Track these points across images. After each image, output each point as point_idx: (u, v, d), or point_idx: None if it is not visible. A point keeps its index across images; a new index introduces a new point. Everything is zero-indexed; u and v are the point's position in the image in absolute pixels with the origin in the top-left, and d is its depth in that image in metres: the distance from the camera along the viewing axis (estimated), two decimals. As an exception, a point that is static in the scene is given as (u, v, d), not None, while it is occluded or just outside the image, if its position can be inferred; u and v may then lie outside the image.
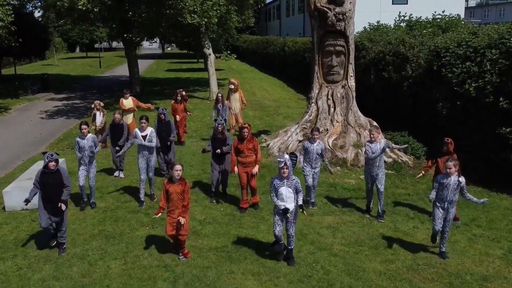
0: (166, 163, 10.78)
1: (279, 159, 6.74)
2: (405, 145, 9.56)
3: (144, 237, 7.91)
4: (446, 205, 6.98)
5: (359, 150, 11.82)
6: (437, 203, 7.08)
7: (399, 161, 11.61)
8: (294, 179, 6.77)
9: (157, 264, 7.01)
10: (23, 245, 7.71)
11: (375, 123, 12.61)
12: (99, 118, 13.18)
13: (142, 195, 9.42)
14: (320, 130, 12.32)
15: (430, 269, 6.85)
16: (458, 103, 11.15)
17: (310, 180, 9.03)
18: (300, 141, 12.38)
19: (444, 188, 6.91)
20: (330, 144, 11.99)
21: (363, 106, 13.64)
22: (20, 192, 9.20)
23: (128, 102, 14.01)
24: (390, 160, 11.67)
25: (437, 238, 7.38)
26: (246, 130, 8.78)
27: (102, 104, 13.57)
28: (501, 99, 9.92)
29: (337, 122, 12.45)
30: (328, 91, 12.70)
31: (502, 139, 9.96)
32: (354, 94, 12.65)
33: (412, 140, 12.50)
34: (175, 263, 7.02)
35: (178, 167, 6.86)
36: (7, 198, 9.22)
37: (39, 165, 10.89)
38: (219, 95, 14.28)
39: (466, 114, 11.07)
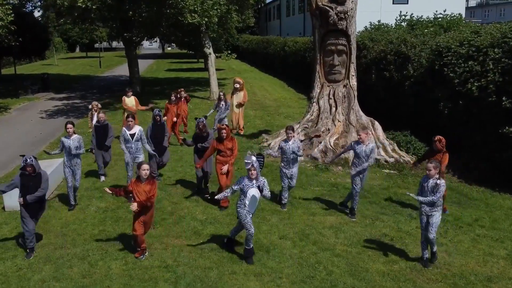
0: (158, 165, 10.63)
1: (246, 161, 6.76)
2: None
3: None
4: (427, 209, 6.69)
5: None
6: (420, 208, 6.84)
7: (401, 160, 11.55)
8: (262, 180, 6.82)
9: (158, 264, 6.95)
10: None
11: (376, 123, 12.57)
12: (96, 119, 13.07)
13: None
14: (317, 130, 12.29)
15: (434, 270, 6.79)
16: (460, 102, 11.09)
17: (286, 181, 8.96)
18: (301, 141, 12.32)
19: (423, 190, 6.68)
20: (332, 144, 11.93)
21: (365, 106, 13.59)
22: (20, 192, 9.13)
23: (130, 100, 13.98)
24: (392, 160, 11.62)
25: (425, 253, 6.96)
26: (224, 131, 8.81)
27: (100, 105, 13.48)
28: (504, 98, 9.86)
29: (338, 121, 12.40)
30: (330, 91, 12.64)
31: (505, 139, 9.90)
32: (355, 93, 12.60)
33: (414, 139, 12.44)
34: (177, 264, 6.95)
35: (145, 166, 6.82)
36: (7, 198, 9.14)
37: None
38: (221, 93, 14.27)
39: (468, 114, 11.00)
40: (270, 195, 7.02)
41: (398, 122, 13.96)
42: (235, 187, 6.90)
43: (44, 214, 8.82)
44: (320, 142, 12.05)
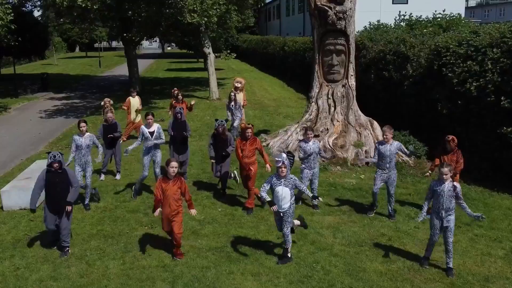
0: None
1: (276, 159, 6.72)
2: (412, 152, 9.29)
3: (143, 237, 7.84)
4: (443, 214, 6.60)
5: (360, 150, 11.77)
6: (433, 212, 6.76)
7: (400, 160, 11.54)
8: (291, 178, 6.77)
9: (156, 264, 6.95)
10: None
11: (375, 123, 12.57)
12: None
13: (137, 187, 9.64)
14: (316, 130, 12.29)
15: (432, 270, 6.78)
16: (459, 102, 11.09)
17: (307, 182, 8.96)
18: (300, 141, 12.31)
19: (439, 195, 6.57)
20: (331, 144, 11.93)
21: (364, 106, 13.58)
22: (18, 192, 9.15)
23: (135, 100, 14.05)
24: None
25: (429, 254, 6.95)
26: (249, 130, 8.71)
27: (112, 102, 13.44)
28: (502, 98, 9.86)
29: (337, 121, 12.40)
30: (329, 90, 12.64)
31: (504, 139, 9.90)
32: (354, 93, 12.59)
33: (413, 139, 12.42)
34: (174, 263, 6.96)
35: (174, 164, 6.81)
36: (5, 197, 9.15)
37: (38, 165, 10.84)
38: (232, 94, 14.22)
39: (467, 114, 11.00)
40: (304, 187, 6.98)
41: (397, 122, 13.94)
42: (266, 186, 6.85)
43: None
44: (319, 142, 12.04)
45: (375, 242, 7.65)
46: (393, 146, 8.33)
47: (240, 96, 14.89)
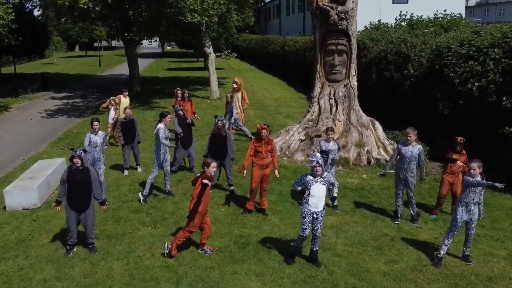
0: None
1: (310, 158, 6.69)
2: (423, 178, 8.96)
3: (146, 237, 7.85)
4: (471, 207, 6.79)
5: (361, 150, 11.78)
6: (461, 206, 6.82)
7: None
8: (327, 175, 6.74)
9: (160, 264, 6.96)
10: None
11: (377, 123, 12.59)
12: (112, 113, 13.25)
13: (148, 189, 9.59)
14: (317, 130, 12.29)
15: (435, 270, 6.81)
16: (461, 102, 11.11)
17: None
18: (302, 141, 12.35)
19: (471, 190, 6.72)
20: (332, 144, 11.94)
21: (365, 106, 13.59)
22: (20, 192, 9.16)
23: (126, 101, 14.03)
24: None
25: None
26: (265, 131, 8.52)
27: (117, 100, 13.49)
28: (504, 98, 9.89)
29: (339, 121, 12.40)
30: (330, 90, 12.65)
31: (505, 139, 9.93)
32: (356, 93, 12.60)
33: (414, 139, 12.44)
34: (178, 263, 6.97)
35: (214, 163, 6.96)
36: (8, 197, 9.15)
37: (39, 165, 10.84)
38: (228, 96, 14.32)
39: (468, 114, 11.03)
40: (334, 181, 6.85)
41: (398, 122, 13.97)
42: (297, 187, 6.80)
43: (51, 213, 8.87)
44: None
45: (378, 242, 7.67)
46: (415, 149, 8.17)
47: (238, 96, 14.72)
